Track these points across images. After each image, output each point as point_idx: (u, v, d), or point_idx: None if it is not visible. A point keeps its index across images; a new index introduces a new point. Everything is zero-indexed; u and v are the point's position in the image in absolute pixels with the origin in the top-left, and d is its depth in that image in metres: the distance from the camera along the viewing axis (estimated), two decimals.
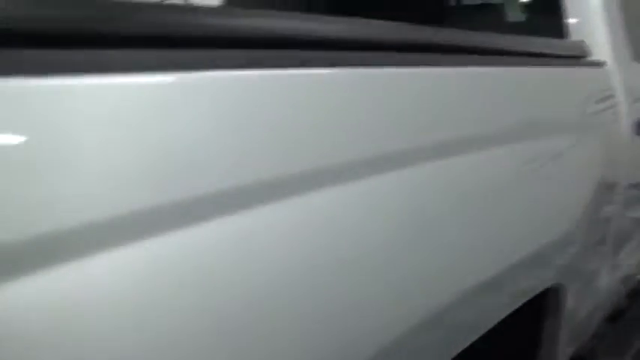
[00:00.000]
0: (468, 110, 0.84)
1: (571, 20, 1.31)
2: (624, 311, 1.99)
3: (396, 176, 0.65)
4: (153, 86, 0.44)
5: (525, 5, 1.58)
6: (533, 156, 1.00)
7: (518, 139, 0.95)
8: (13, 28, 0.38)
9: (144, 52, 0.45)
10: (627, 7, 1.45)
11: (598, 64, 1.26)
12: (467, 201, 0.80)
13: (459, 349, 0.76)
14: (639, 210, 1.65)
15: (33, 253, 0.36)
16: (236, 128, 0.49)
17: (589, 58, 1.26)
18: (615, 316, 1.91)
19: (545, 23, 1.37)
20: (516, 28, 1.49)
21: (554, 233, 1.01)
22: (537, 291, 0.92)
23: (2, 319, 0.35)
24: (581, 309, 1.22)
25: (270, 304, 0.49)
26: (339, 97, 0.59)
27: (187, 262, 0.44)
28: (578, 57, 1.23)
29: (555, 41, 1.21)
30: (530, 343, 1.04)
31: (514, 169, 0.95)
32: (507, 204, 0.90)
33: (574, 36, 1.30)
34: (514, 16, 1.56)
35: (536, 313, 0.97)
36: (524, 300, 0.88)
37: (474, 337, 0.79)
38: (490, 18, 1.53)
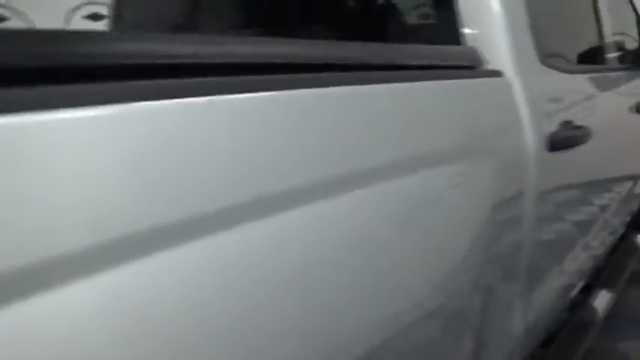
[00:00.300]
0: (332, 142, 0.67)
1: (465, 24, 1.13)
2: (561, 329, 1.85)
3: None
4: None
5: (417, 9, 1.39)
6: (414, 194, 0.82)
7: (392, 175, 0.77)
8: None
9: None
10: (536, 7, 1.28)
11: (494, 74, 1.08)
12: (321, 257, 0.63)
13: None
14: (570, 219, 1.49)
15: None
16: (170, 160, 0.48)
17: (483, 68, 1.08)
18: (552, 337, 1.77)
19: (439, 28, 1.18)
20: (407, 34, 1.31)
21: (434, 299, 0.84)
22: None
23: None
24: None
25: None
26: None
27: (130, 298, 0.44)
28: (469, 67, 1.05)
29: (440, 49, 1.02)
30: None
31: (393, 212, 0.77)
32: (376, 261, 0.72)
33: (469, 42, 1.12)
34: (406, 19, 1.38)
35: None
36: None
37: None
38: (378, 22, 1.34)
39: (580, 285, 1.88)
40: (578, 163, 1.38)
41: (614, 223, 2.11)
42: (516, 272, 1.20)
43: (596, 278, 2.23)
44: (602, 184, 1.71)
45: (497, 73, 1.08)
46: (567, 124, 1.30)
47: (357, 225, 0.69)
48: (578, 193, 1.44)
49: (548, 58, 1.32)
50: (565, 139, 1.24)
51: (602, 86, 1.82)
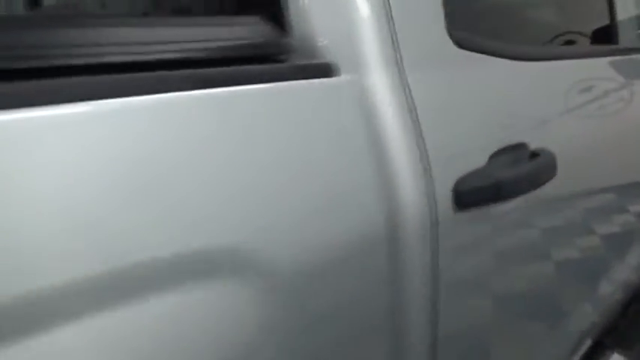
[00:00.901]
0: None
1: None
2: None
3: None
4: None
5: None
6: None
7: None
8: None
9: None
10: None
11: (315, 72, 0.53)
12: None
13: None
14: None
15: None
16: None
17: (295, 62, 0.54)
18: None
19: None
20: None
21: None
22: None
23: None
24: None
25: None
26: None
27: None
28: (257, 59, 0.52)
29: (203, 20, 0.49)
30: None
31: None
32: None
33: (293, 16, 0.58)
34: None
35: None
36: None
37: None
38: None
39: None
40: (525, 223, 0.80)
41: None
42: None
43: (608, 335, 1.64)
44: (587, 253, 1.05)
45: (322, 70, 0.53)
46: (509, 152, 0.75)
47: None
48: (522, 283, 0.85)
49: (478, 35, 0.77)
50: (496, 185, 0.69)
51: (608, 78, 1.23)
